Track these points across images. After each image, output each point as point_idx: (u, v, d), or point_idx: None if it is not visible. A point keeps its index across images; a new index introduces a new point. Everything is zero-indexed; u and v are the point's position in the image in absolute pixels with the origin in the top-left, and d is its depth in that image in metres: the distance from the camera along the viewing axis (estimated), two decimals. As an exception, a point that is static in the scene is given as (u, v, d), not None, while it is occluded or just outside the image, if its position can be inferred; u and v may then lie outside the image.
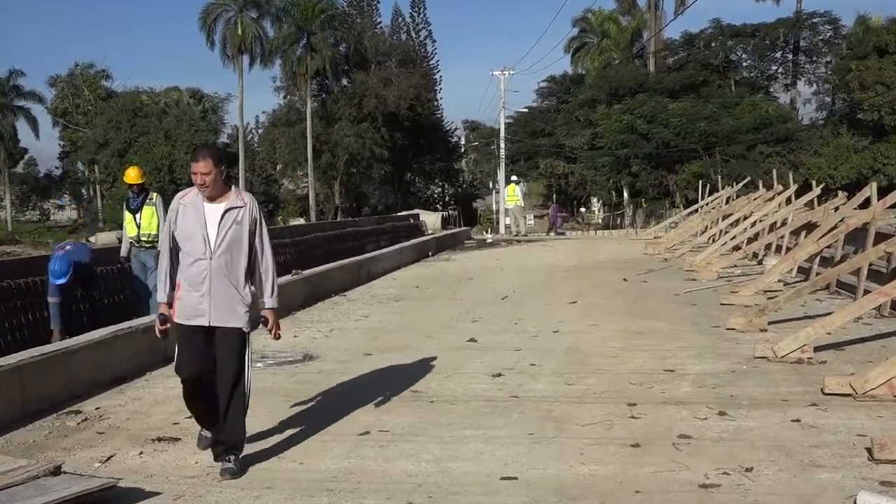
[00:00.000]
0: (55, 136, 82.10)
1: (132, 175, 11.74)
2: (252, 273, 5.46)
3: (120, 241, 11.80)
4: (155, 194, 11.97)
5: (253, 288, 5.44)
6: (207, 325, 5.32)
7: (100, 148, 61.51)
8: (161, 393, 7.62)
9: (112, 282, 12.78)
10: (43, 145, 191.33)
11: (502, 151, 58.75)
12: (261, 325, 5.53)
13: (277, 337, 5.64)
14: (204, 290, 5.31)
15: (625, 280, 16.15)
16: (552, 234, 35.03)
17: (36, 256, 15.93)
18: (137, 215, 11.71)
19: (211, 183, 5.33)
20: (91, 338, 8.01)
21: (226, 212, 5.36)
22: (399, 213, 41.60)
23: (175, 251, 5.45)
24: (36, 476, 4.90)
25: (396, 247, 22.31)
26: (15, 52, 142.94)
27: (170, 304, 5.40)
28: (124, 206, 11.98)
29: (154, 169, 55.05)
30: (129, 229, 11.75)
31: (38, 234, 63.34)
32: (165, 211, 11.86)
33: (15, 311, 10.65)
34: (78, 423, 6.64)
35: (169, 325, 5.42)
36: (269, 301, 5.50)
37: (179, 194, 5.50)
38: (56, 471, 5.00)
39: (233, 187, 5.47)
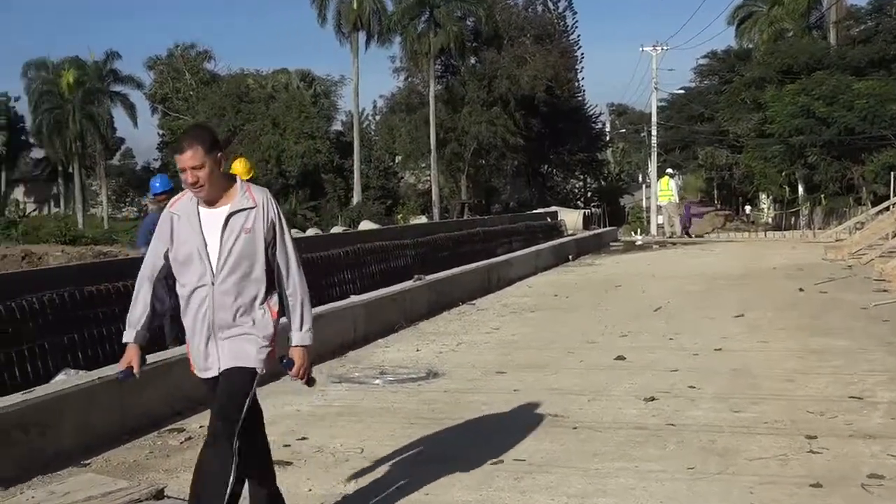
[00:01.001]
0: (153, 124, 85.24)
1: (240, 168, 12.02)
2: (274, 292, 4.63)
3: None
4: (265, 190, 12.30)
5: (275, 310, 4.58)
6: (217, 374, 4.54)
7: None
8: (271, 411, 7.80)
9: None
10: (141, 135, 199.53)
11: (654, 139, 57.89)
12: (289, 373, 4.71)
13: (309, 384, 4.85)
14: (207, 330, 4.51)
15: (801, 290, 15.68)
16: (684, 236, 34.35)
17: (134, 257, 16.68)
18: None
19: (206, 179, 4.45)
20: (163, 358, 8.27)
21: (230, 217, 4.51)
22: (534, 211, 41.53)
23: (167, 278, 4.67)
24: (138, 500, 5.08)
25: (532, 249, 22.28)
26: (111, 33, 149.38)
27: (142, 348, 4.71)
28: None
29: (261, 160, 56.60)
30: None
31: (135, 232, 66.23)
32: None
33: (112, 317, 11.12)
34: (181, 443, 6.87)
35: (132, 377, 4.74)
36: (297, 336, 4.66)
37: (171, 201, 4.70)
38: (159, 494, 5.16)
39: (238, 182, 4.63)
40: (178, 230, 4.56)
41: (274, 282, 4.60)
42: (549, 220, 35.15)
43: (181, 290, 4.57)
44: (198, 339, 4.54)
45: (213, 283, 4.45)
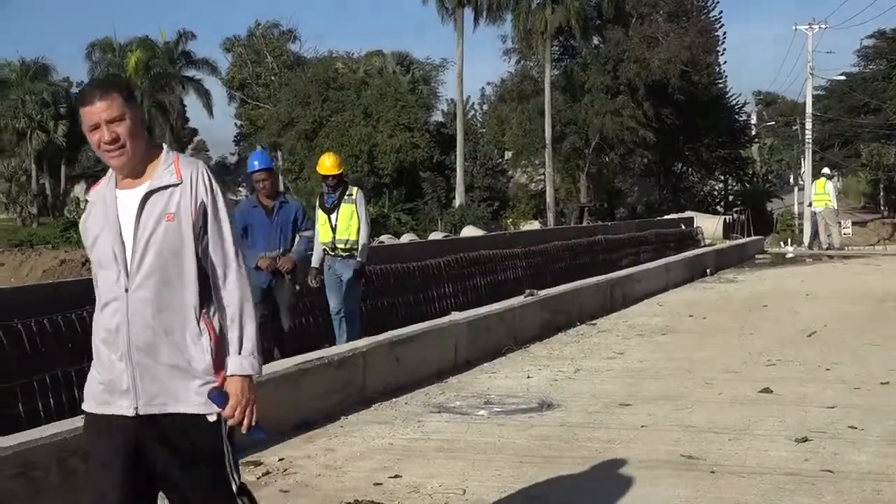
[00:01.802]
0: (230, 113, 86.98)
1: (328, 164, 12.19)
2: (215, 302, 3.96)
3: (309, 248, 12.15)
4: (355, 189, 12.39)
5: (216, 326, 3.93)
6: (133, 414, 3.85)
7: (284, 128, 64.54)
8: (360, 444, 7.89)
9: (299, 301, 13.40)
10: (215, 125, 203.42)
11: (809, 134, 56.84)
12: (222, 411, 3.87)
13: (251, 432, 3.93)
14: (121, 350, 3.87)
15: None
16: (815, 247, 33.61)
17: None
18: (333, 215, 12.15)
19: (128, 137, 3.87)
20: (273, 370, 8.42)
21: (147, 198, 3.87)
22: (666, 217, 41.19)
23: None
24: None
25: (662, 262, 22.10)
26: (185, 10, 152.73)
27: None
28: (316, 204, 12.51)
29: (350, 155, 57.27)
30: (323, 233, 12.22)
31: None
32: (366, 208, 12.32)
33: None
34: (258, 478, 6.98)
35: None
36: (234, 362, 3.91)
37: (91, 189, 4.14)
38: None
39: (165, 151, 4.01)
40: (91, 223, 3.98)
41: (210, 287, 3.94)
42: (682, 227, 34.82)
43: (98, 300, 3.98)
44: (103, 368, 3.92)
45: (126, 290, 3.84)
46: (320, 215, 12.26)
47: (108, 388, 3.89)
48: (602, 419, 8.61)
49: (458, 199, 57.44)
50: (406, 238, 42.34)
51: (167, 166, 3.91)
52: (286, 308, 11.41)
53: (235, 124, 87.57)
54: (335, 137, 59.17)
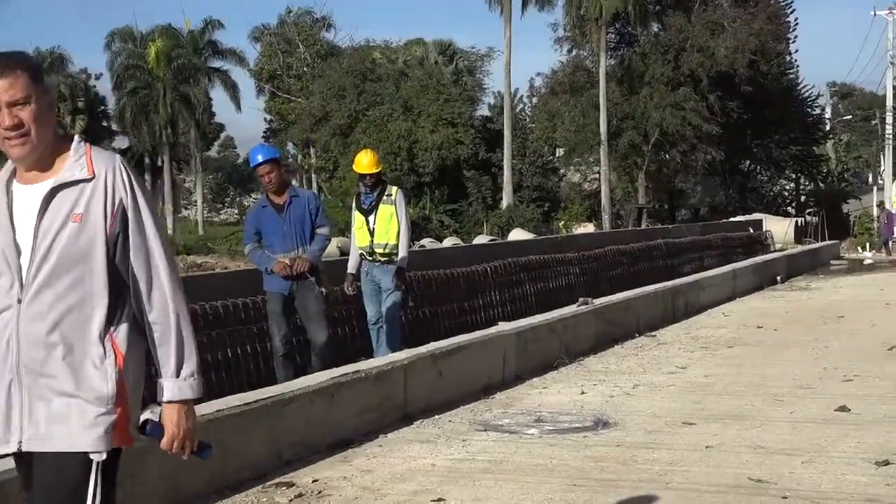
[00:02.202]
0: (259, 107, 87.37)
1: (365, 162, 12.23)
2: (123, 320, 3.62)
3: (344, 252, 12.26)
4: (395, 189, 12.43)
5: (121, 349, 3.60)
6: (17, 450, 3.56)
7: (317, 123, 64.73)
8: (399, 465, 7.90)
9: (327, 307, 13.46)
10: (244, 120, 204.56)
11: (889, 129, 56.38)
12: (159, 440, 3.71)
13: (200, 454, 3.79)
14: (10, 375, 3.53)
15: None
16: (884, 252, 33.25)
17: (234, 271, 17.04)
18: (371, 217, 12.19)
19: (32, 122, 3.54)
20: (306, 384, 8.45)
21: (51, 194, 3.55)
22: (732, 219, 40.98)
23: None
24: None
25: (728, 268, 22.00)
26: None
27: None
28: (353, 205, 12.55)
29: (389, 153, 57.35)
30: (360, 237, 12.26)
31: (236, 240, 67.72)
32: (408, 210, 12.34)
33: (208, 345, 11.40)
34: (290, 500, 7.01)
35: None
36: (170, 386, 3.67)
37: None
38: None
39: (76, 141, 3.69)
40: None
41: (122, 301, 3.59)
42: (750, 230, 34.64)
43: None
44: None
45: (19, 301, 3.50)
46: (357, 217, 12.27)
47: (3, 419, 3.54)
48: (663, 439, 8.57)
49: (506, 199, 57.42)
50: (449, 242, 42.44)
51: (77, 159, 3.57)
52: (316, 316, 10.98)
53: (264, 119, 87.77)
54: (372, 133, 59.28)
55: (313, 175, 74.30)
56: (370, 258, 12.17)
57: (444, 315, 15.84)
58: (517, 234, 43.31)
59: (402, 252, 12.11)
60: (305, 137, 68.35)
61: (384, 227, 12.08)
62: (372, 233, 12.11)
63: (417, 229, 49.54)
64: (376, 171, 12.23)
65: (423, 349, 10.14)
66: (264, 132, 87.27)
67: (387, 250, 12.06)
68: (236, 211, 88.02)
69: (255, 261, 11.09)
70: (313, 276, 10.91)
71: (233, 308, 11.98)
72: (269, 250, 10.88)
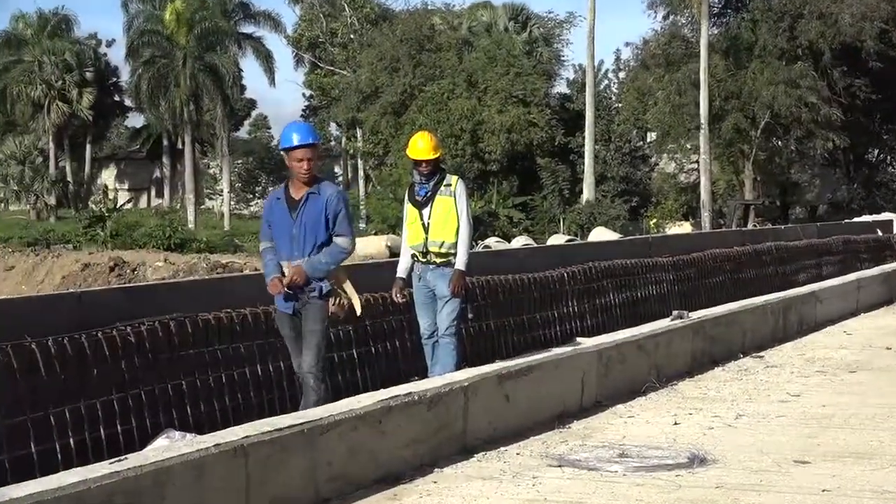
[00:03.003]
0: (297, 80, 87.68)
1: (421, 146, 12.13)
2: None
3: (394, 252, 12.16)
4: (455, 178, 12.31)
5: None
6: None
7: (365, 100, 64.91)
8: (456, 504, 7.91)
9: (381, 319, 13.46)
10: (279, 96, 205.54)
11: None
12: None
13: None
14: None
15: None
16: None
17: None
18: (425, 211, 12.07)
19: None
20: (349, 408, 8.46)
21: None
22: (857, 220, 40.57)
23: None
24: None
25: (851, 277, 21.81)
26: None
27: None
28: (406, 197, 12.51)
29: (449, 136, 57.43)
30: (412, 234, 12.18)
31: (269, 237, 67.96)
32: (469, 203, 12.27)
33: (234, 358, 11.46)
34: (329, 544, 7.04)
35: None
36: None
37: None
38: None
39: None
40: None
41: None
42: (878, 232, 34.29)
43: None
44: None
45: None
46: (409, 211, 12.18)
47: None
48: (771, 480, 8.52)
49: (587, 192, 57.32)
50: (519, 242, 42.46)
51: None
52: (308, 334, 10.49)
53: (303, 95, 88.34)
54: (430, 112, 59.37)
55: (359, 161, 74.53)
56: (423, 259, 12.02)
57: (511, 329, 15.81)
58: (600, 234, 43.28)
59: (462, 253, 11.96)
60: (351, 117, 68.51)
61: (441, 222, 11.92)
62: (426, 229, 11.96)
63: (481, 226, 49.57)
64: (433, 156, 12.02)
65: (487, 369, 10.14)
66: (303, 110, 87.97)
67: (443, 250, 11.93)
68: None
69: (263, 264, 10.97)
70: (317, 294, 10.43)
71: (264, 316, 11.97)
72: (278, 255, 10.64)
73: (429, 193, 12.03)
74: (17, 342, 9.52)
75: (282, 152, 10.92)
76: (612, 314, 18.18)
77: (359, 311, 11.02)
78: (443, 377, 10.20)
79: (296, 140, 10.58)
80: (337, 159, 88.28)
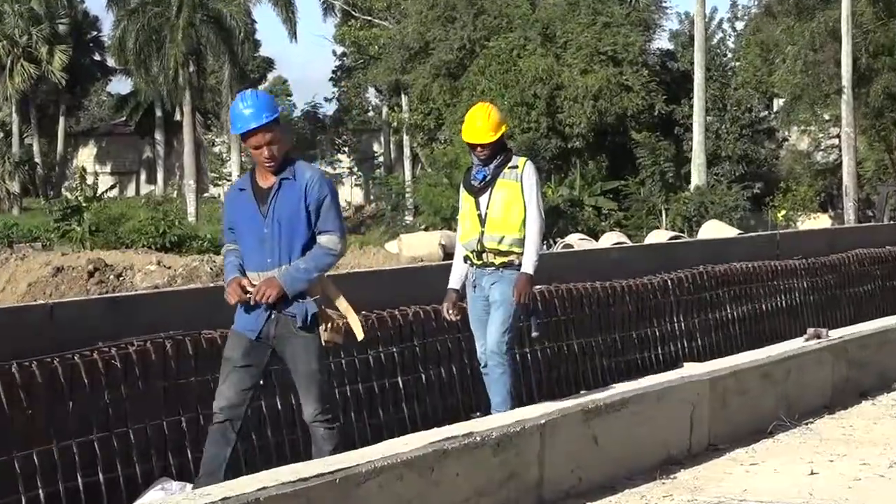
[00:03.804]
0: (326, 35, 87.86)
1: (478, 125, 11.92)
2: None
3: (449, 253, 12.00)
4: (522, 160, 12.19)
5: None
6: None
7: (413, 59, 64.89)
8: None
9: (433, 339, 13.47)
10: (303, 55, 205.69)
11: None
12: None
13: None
14: None
15: None
16: None
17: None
18: (483, 198, 11.95)
19: None
20: (393, 452, 8.45)
21: None
22: None
23: None
24: None
25: None
26: None
27: None
28: (461, 184, 12.49)
29: (519, 104, 57.39)
30: (465, 229, 12.05)
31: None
32: (539, 190, 12.17)
33: (266, 385, 11.51)
34: None
35: None
36: None
37: None
38: None
39: None
40: None
41: None
42: None
43: None
44: None
45: None
46: (464, 200, 12.11)
47: None
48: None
49: (696, 176, 57.20)
50: (609, 239, 42.40)
51: None
52: (305, 376, 10.02)
53: (334, 52, 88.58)
54: (495, 74, 59.37)
55: (405, 137, 74.56)
56: (478, 261, 11.96)
57: (600, 351, 15.83)
58: (713, 230, 43.17)
59: (531, 253, 11.84)
60: (394, 80, 68.63)
61: (503, 213, 11.84)
62: (483, 221, 11.92)
63: (561, 220, 49.59)
64: (493, 139, 11.92)
65: (568, 403, 10.13)
66: (333, 72, 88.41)
67: (504, 247, 11.83)
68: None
69: (224, 269, 10.51)
70: (301, 323, 9.91)
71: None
72: (246, 268, 10.11)
73: (488, 177, 12.01)
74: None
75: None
76: (728, 332, 18.14)
77: (360, 334, 10.33)
78: (511, 414, 10.19)
79: (242, 124, 10.10)
80: (376, 134, 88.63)
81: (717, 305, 18.29)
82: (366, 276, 13.44)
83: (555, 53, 60.06)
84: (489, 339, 11.81)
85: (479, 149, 11.99)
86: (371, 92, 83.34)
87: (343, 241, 10.23)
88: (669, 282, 17.50)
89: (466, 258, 12.04)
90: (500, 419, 9.75)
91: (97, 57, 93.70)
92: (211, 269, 36.16)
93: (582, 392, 10.60)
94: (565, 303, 15.39)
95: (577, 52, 59.46)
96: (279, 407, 11.82)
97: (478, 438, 8.94)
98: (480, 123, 11.97)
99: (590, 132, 58.53)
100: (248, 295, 9.82)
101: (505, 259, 11.85)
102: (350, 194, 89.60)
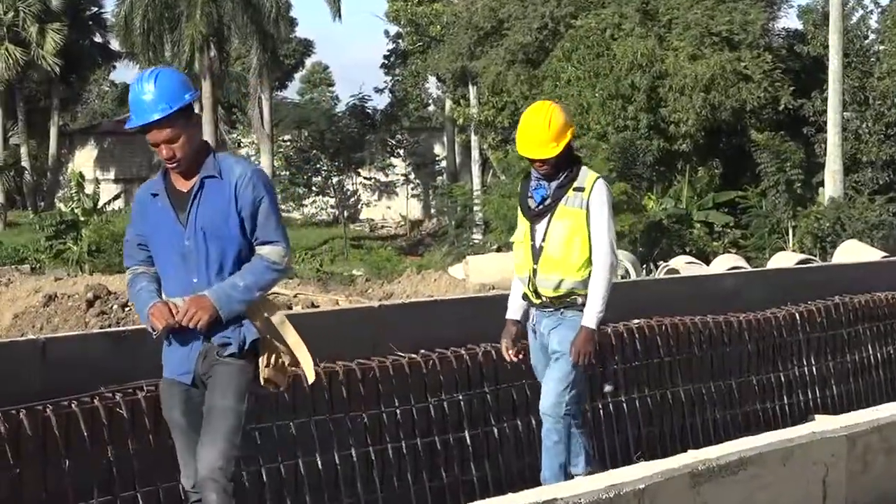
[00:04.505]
0: (377, 12, 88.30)
1: (534, 131, 11.65)
2: None
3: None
4: (591, 178, 11.84)
5: None
6: None
7: (483, 41, 65.04)
8: None
9: (508, 386, 13.52)
10: (348, 36, 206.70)
11: None
12: None
13: None
14: None
15: None
16: None
17: (346, 309, 17.33)
18: (539, 226, 11.79)
19: None
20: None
21: None
22: None
23: None
24: None
25: None
26: None
27: None
28: (519, 195, 12.35)
29: (614, 97, 57.35)
30: (520, 259, 12.00)
31: (334, 253, 68.15)
32: (612, 220, 11.83)
33: (304, 436, 11.59)
34: None
35: None
36: None
37: None
38: None
39: None
40: None
41: None
42: None
43: None
44: None
45: None
46: (521, 219, 12.09)
47: None
48: None
49: (830, 186, 56.97)
50: (724, 263, 42.32)
51: None
52: (215, 422, 9.44)
53: (386, 34, 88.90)
54: (583, 60, 59.41)
55: (473, 137, 74.64)
56: (536, 300, 11.88)
57: (712, 400, 15.83)
58: (851, 251, 42.97)
59: (596, 300, 11.62)
60: (460, 67, 68.72)
61: (563, 250, 11.64)
62: (537, 256, 11.77)
63: (665, 239, 49.59)
64: (554, 153, 11.58)
65: (672, 463, 10.12)
66: (385, 57, 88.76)
67: (561, 290, 11.70)
68: (330, 199, 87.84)
69: (133, 300, 10.11)
70: (235, 348, 9.46)
71: (344, 374, 12.15)
72: (164, 288, 9.69)
73: (548, 199, 11.77)
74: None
75: None
76: (870, 378, 18.10)
77: (311, 376, 9.94)
78: (605, 476, 10.18)
79: (137, 117, 9.54)
80: (437, 134, 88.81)
81: (856, 345, 18.25)
82: (425, 306, 13.37)
83: (657, 34, 59.99)
84: (545, 398, 11.78)
85: (537, 163, 11.76)
86: (431, 82, 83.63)
87: (287, 253, 9.70)
88: (798, 316, 17.46)
89: (523, 294, 12.01)
90: (590, 483, 9.78)
91: (98, 38, 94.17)
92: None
93: (690, 451, 10.59)
94: (669, 341, 15.39)
95: (683, 32, 59.39)
96: (318, 465, 11.88)
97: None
98: (538, 132, 11.64)
99: (699, 131, 58.38)
100: (171, 325, 9.30)
101: (564, 301, 11.73)
102: (406, 207, 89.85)
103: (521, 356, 12.13)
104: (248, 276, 9.32)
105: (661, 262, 45.40)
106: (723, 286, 19.02)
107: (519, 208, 12.06)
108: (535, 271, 11.67)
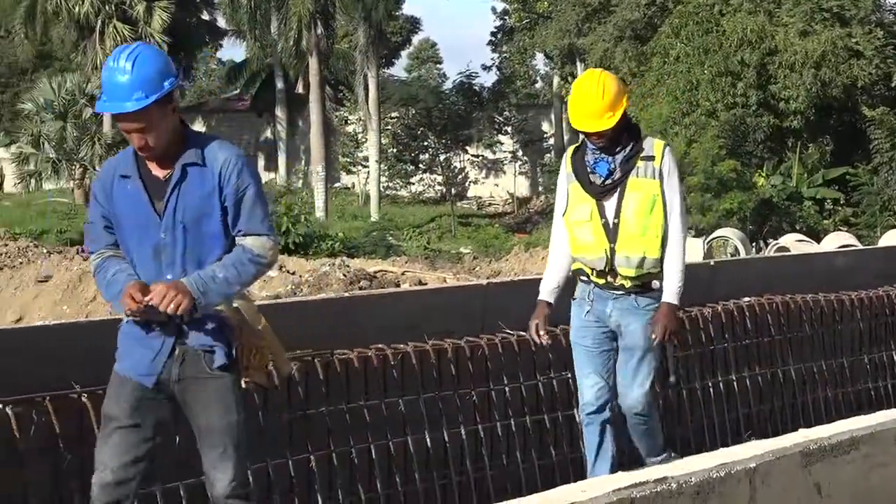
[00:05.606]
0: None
1: (587, 102, 11.03)
2: None
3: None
4: (659, 145, 11.37)
5: None
6: None
7: (590, 18, 65.05)
8: None
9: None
10: (456, 14, 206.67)
11: None
12: None
13: None
14: None
15: None
16: None
17: (447, 287, 17.31)
18: (609, 202, 11.19)
19: None
20: (569, 502, 8.50)
21: None
22: None
23: None
24: None
25: None
26: None
27: None
28: (563, 167, 11.70)
29: (723, 73, 57.07)
30: (588, 240, 11.32)
31: (441, 230, 67.99)
32: (683, 188, 11.30)
33: (415, 416, 11.62)
34: None
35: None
36: None
37: None
38: None
39: None
40: None
41: None
42: None
43: None
44: None
45: None
46: (576, 197, 11.38)
47: None
48: None
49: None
50: (834, 241, 42.06)
51: None
52: (219, 437, 8.93)
53: (493, 10, 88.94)
54: (692, 36, 59.14)
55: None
56: (602, 281, 11.30)
57: (824, 379, 15.74)
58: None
59: (674, 274, 11.17)
60: (567, 45, 68.69)
61: (640, 223, 11.09)
62: (613, 234, 11.16)
63: (775, 216, 49.41)
64: (611, 124, 10.99)
65: (783, 442, 10.02)
66: (492, 34, 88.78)
67: (644, 269, 11.16)
68: (438, 177, 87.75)
69: (104, 288, 9.15)
70: (224, 358, 8.89)
71: (454, 351, 12.15)
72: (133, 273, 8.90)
73: (615, 173, 11.20)
74: (61, 392, 9.64)
75: None
76: None
77: (285, 370, 9.79)
78: (716, 455, 10.09)
79: (107, 99, 8.79)
80: (545, 111, 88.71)
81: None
82: (533, 284, 13.28)
83: (767, 10, 59.68)
84: (630, 396, 11.39)
85: (594, 137, 11.15)
86: (539, 59, 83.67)
87: (274, 245, 9.08)
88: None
89: (579, 273, 11.49)
90: (701, 462, 9.72)
91: (205, 16, 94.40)
92: (344, 275, 36.17)
93: (801, 430, 10.49)
94: (780, 319, 15.31)
95: (794, 8, 59.04)
96: (461, 444, 11.89)
97: (673, 486, 8.91)
98: (593, 103, 11.00)
99: (810, 108, 58.04)
100: (145, 302, 8.49)
101: (642, 284, 11.25)
102: (514, 184, 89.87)
103: (550, 341, 11.70)
104: (230, 269, 8.70)
105: (771, 239, 45.27)
106: (834, 264, 18.90)
107: (567, 180, 11.41)
108: (612, 250, 11.10)
